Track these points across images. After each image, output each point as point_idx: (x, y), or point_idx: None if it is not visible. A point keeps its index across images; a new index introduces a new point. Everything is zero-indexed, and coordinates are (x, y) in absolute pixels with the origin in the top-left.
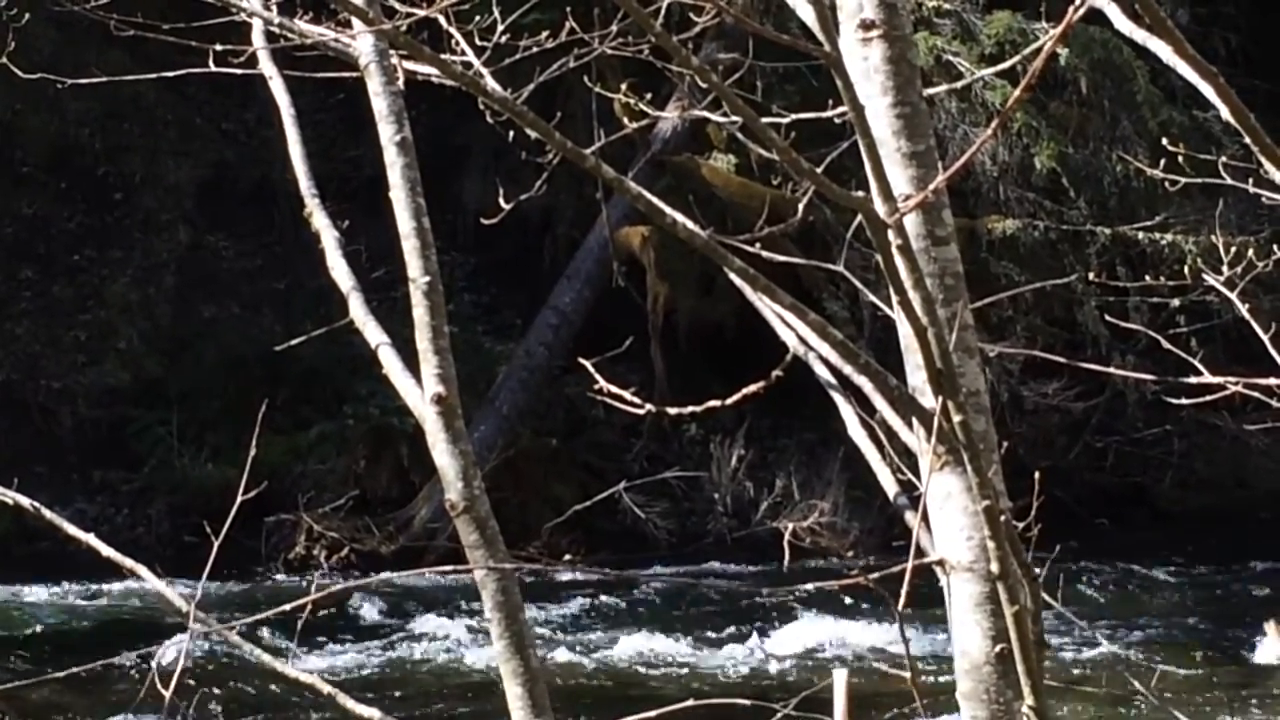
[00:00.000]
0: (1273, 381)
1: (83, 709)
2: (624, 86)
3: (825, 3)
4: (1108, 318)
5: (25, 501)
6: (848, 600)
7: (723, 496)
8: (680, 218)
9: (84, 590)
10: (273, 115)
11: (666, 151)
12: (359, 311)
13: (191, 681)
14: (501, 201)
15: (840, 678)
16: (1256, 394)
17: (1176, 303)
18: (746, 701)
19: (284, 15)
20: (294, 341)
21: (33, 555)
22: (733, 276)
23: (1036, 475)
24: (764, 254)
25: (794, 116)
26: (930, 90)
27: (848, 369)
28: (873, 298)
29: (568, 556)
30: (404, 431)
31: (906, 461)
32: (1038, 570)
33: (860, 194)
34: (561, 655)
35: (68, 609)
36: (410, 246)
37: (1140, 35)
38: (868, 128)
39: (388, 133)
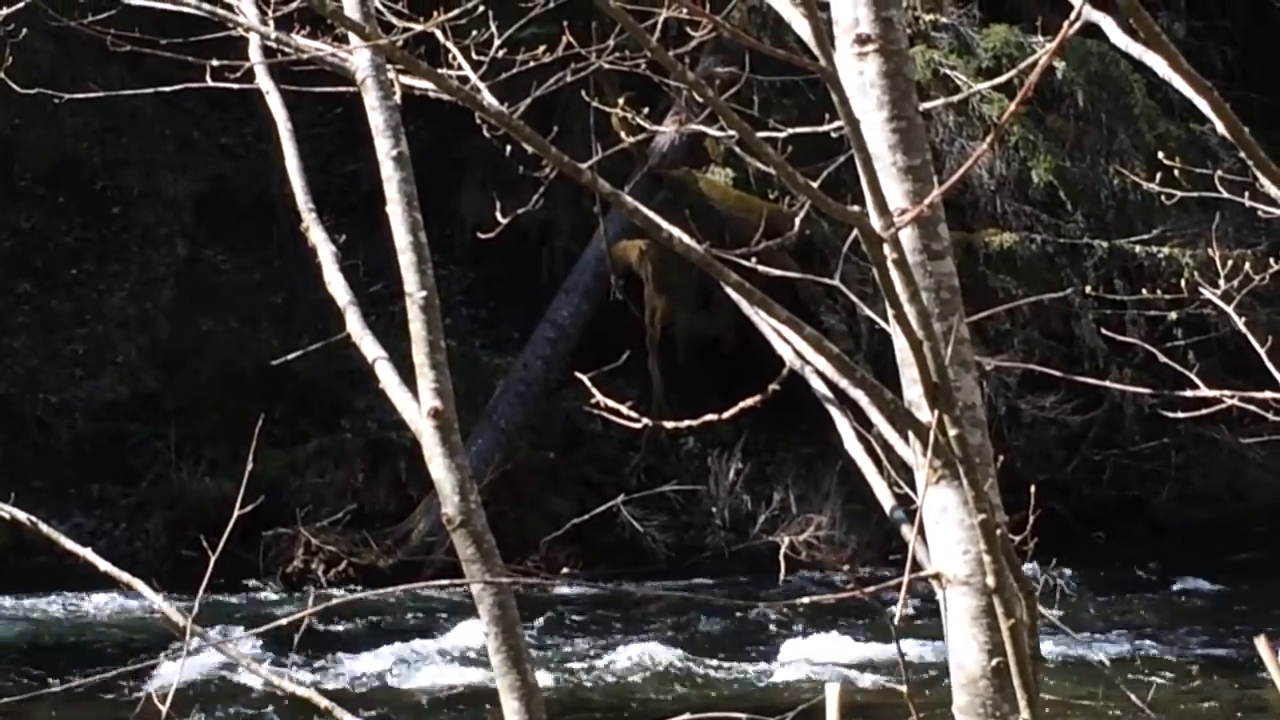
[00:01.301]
0: (1269, 395)
1: None
2: (621, 101)
3: (821, 17)
4: (1105, 331)
5: (23, 516)
6: (844, 614)
7: (720, 510)
8: (677, 232)
9: (81, 604)
10: (270, 130)
11: (664, 165)
12: (356, 326)
13: (189, 695)
14: (499, 215)
15: (832, 692)
16: (1253, 407)
17: (1174, 316)
18: (743, 715)
19: (281, 30)
20: (291, 355)
21: (30, 569)
22: (729, 290)
23: (1033, 488)
24: (761, 268)
25: (790, 131)
26: (927, 104)
27: (844, 383)
28: (869, 312)
29: (565, 570)
30: (402, 445)
31: (903, 475)
32: (1034, 584)
33: (856, 208)
34: (559, 669)
35: (65, 623)
36: (407, 260)
37: (1136, 49)
38: (863, 142)
39: (384, 147)
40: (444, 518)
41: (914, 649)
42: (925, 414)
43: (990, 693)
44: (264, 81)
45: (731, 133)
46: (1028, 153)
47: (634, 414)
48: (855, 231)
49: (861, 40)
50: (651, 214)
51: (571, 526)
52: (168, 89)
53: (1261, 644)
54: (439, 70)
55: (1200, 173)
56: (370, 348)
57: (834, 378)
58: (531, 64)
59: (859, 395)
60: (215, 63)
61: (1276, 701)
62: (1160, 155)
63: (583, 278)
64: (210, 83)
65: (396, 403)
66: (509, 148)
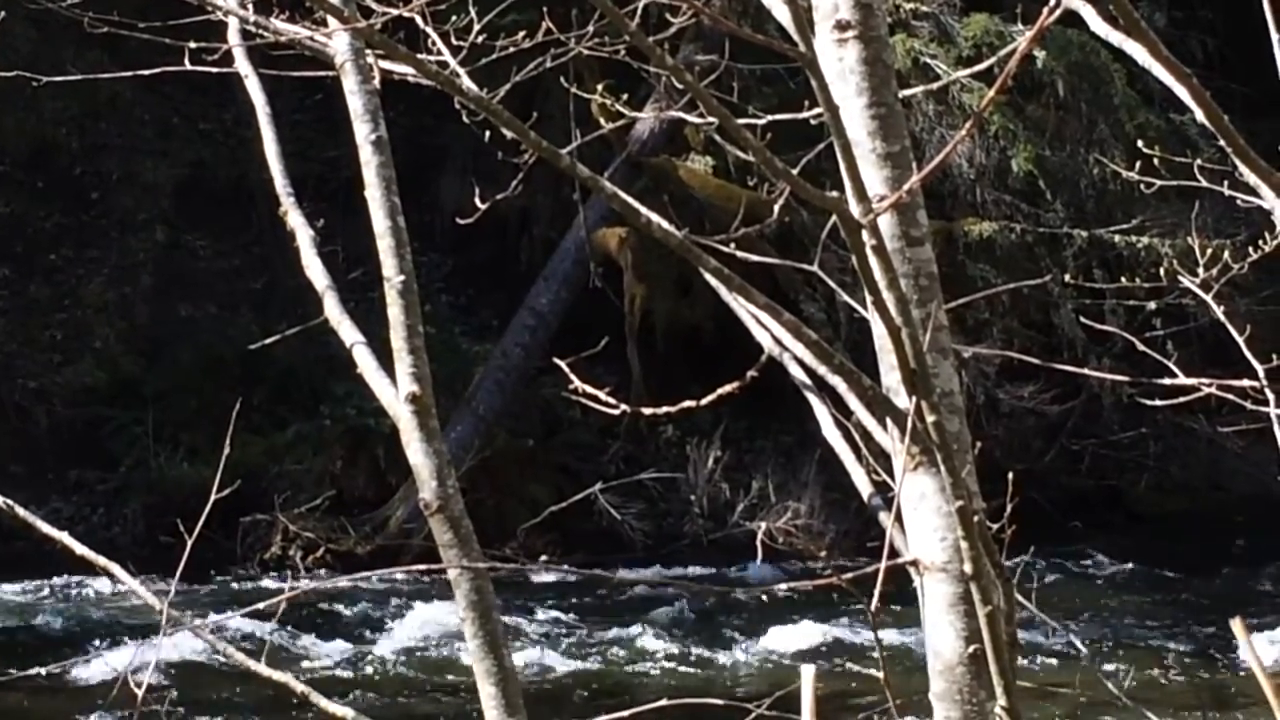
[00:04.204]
0: (1247, 383)
1: (55, 708)
2: (601, 87)
3: (801, 4)
4: (1084, 320)
5: None
6: (822, 601)
7: (699, 498)
8: (655, 217)
9: (58, 589)
10: (249, 116)
11: (644, 153)
12: (334, 310)
13: (164, 680)
14: (478, 202)
15: (807, 674)
16: (1231, 396)
17: (1152, 306)
18: (720, 701)
19: (260, 14)
20: (269, 340)
21: (7, 554)
22: (707, 276)
23: (1011, 477)
24: (740, 254)
25: (770, 118)
26: (906, 91)
27: (822, 369)
28: (848, 299)
29: (543, 557)
30: (380, 432)
31: (881, 462)
32: (1011, 571)
33: (835, 194)
34: (536, 655)
35: (42, 608)
36: (385, 245)
37: (1116, 37)
38: (843, 128)
39: (363, 131)
40: (421, 503)
41: (891, 636)
42: (903, 400)
43: (967, 679)
44: (243, 65)
45: (711, 119)
46: (1007, 142)
47: (612, 400)
48: (834, 218)
49: (841, 26)
50: (630, 200)
51: (550, 514)
52: (146, 73)
53: (1237, 625)
54: (418, 55)
55: (1180, 162)
56: (348, 332)
57: (813, 364)
58: (511, 50)
59: (837, 382)
60: (193, 45)
61: (1251, 689)
62: (1140, 145)
63: (562, 265)
64: (189, 66)
65: (374, 387)
66: (488, 134)
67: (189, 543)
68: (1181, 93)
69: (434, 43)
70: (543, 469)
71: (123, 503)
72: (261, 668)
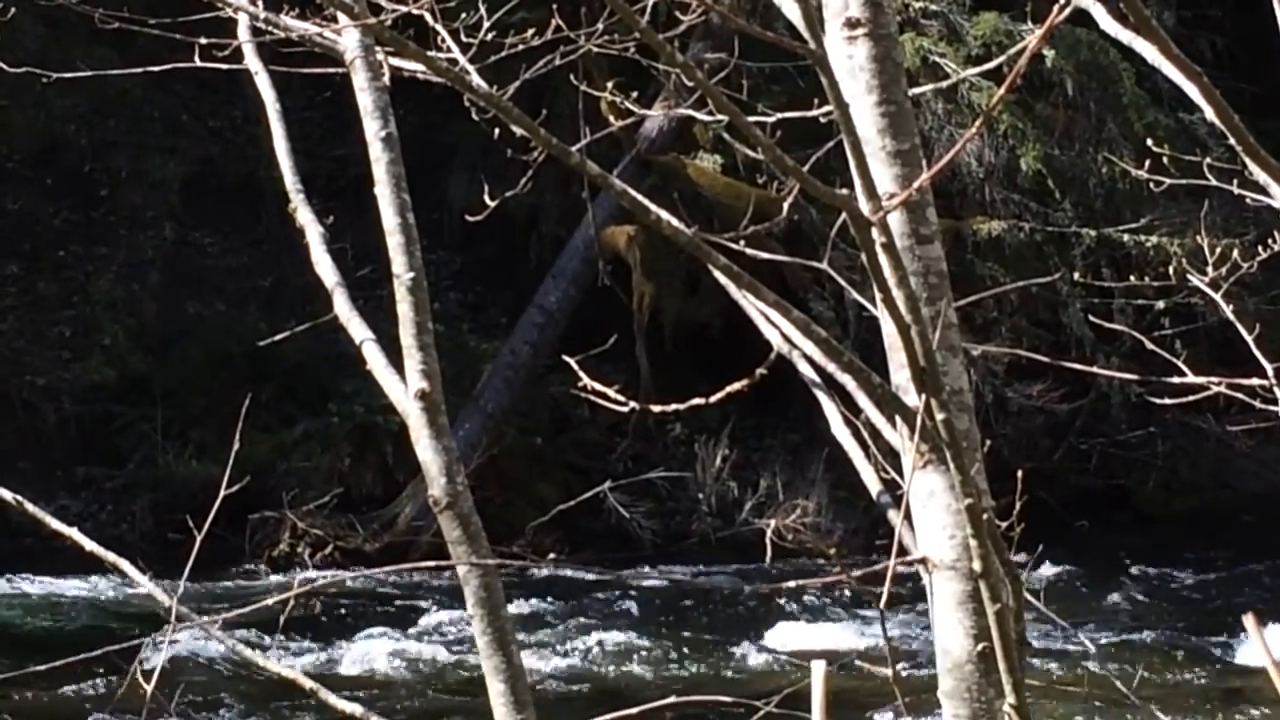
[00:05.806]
0: (1255, 382)
1: (64, 705)
2: (610, 85)
3: (811, 1)
4: (1092, 319)
5: (8, 495)
6: (831, 599)
7: (707, 496)
8: (665, 214)
9: (67, 586)
10: (259, 112)
11: (652, 151)
12: (343, 307)
13: (173, 676)
14: (487, 199)
15: (818, 671)
16: (1240, 395)
17: (1161, 305)
18: (728, 699)
19: (270, 10)
20: (279, 337)
21: (16, 551)
22: (716, 273)
23: (1019, 475)
24: (749, 251)
25: (780, 115)
26: (915, 90)
27: (831, 367)
28: (857, 297)
29: (552, 555)
30: (388, 430)
31: (890, 460)
32: (1020, 570)
33: (844, 192)
34: (544, 652)
35: (50, 605)
36: (395, 242)
37: (1126, 35)
38: (852, 125)
39: (373, 128)
40: (430, 499)
41: (900, 633)
42: (913, 398)
43: (975, 677)
44: (252, 62)
45: (721, 117)
46: (1016, 141)
47: (620, 398)
48: (844, 216)
49: (851, 24)
50: (639, 197)
51: (558, 512)
52: (156, 69)
53: (1250, 620)
54: (428, 52)
55: (1189, 161)
56: (358, 329)
57: (822, 362)
58: (521, 47)
59: (846, 380)
60: (203, 41)
61: (1261, 688)
62: (1149, 144)
63: (570, 263)
64: (199, 63)
65: (383, 384)
66: (497, 131)
67: (197, 540)
68: (1191, 91)
69: (444, 40)
70: (551, 467)
71: (131, 500)
72: (270, 664)
